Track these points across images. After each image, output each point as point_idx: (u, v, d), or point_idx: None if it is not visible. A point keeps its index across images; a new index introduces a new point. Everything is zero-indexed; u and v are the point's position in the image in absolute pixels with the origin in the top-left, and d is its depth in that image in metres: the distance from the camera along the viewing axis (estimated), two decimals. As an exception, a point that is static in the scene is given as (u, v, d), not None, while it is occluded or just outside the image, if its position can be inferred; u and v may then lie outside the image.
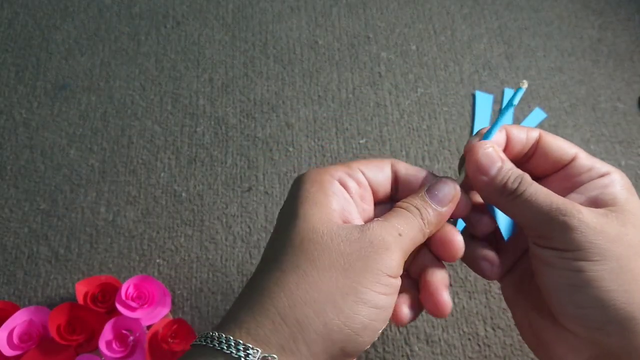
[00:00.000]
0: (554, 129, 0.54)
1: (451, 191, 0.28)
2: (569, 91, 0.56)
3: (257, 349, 0.23)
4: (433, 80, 0.57)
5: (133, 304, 0.42)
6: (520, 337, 0.44)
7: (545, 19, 0.61)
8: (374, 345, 0.43)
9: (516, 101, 0.28)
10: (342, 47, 0.59)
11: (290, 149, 0.53)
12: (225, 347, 0.23)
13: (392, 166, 0.30)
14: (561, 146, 0.30)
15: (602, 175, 0.28)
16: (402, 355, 0.43)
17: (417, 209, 0.27)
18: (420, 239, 0.27)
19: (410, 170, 0.30)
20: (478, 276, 0.46)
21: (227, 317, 0.26)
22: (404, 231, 0.26)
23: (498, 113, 0.55)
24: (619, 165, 0.52)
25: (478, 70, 0.57)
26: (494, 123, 0.29)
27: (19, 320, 0.41)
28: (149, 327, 0.42)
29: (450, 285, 0.46)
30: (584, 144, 0.53)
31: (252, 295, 0.25)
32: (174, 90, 0.56)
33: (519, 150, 0.30)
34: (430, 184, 0.29)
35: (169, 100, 0.56)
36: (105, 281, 0.44)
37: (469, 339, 0.44)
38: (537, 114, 0.55)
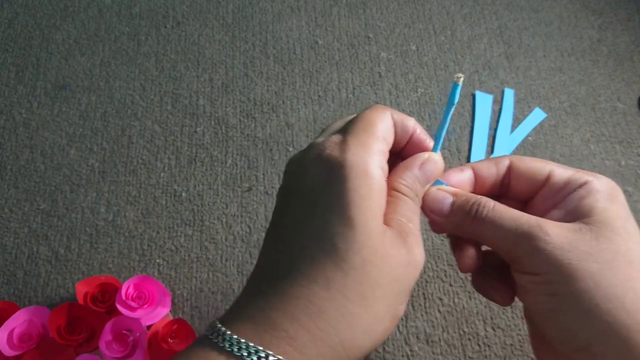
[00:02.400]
0: (554, 129, 0.54)
1: (438, 168, 0.28)
2: (569, 91, 0.56)
3: None
4: (433, 80, 0.57)
5: (133, 304, 0.42)
6: (520, 337, 0.44)
7: (545, 19, 0.61)
8: (374, 345, 0.44)
9: (456, 99, 0.27)
10: (342, 47, 0.59)
11: (290, 149, 0.53)
12: None
13: (391, 117, 0.28)
14: (533, 167, 0.29)
15: (580, 186, 0.27)
16: (402, 355, 0.43)
17: (416, 194, 0.27)
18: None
19: (402, 119, 0.28)
20: (478, 276, 0.46)
21: (260, 320, 0.23)
22: (418, 227, 0.26)
23: (498, 113, 0.55)
24: (619, 165, 0.52)
25: (478, 70, 0.57)
26: (438, 130, 0.28)
27: (19, 320, 0.41)
28: (149, 327, 0.42)
29: (450, 285, 0.46)
30: (584, 144, 0.53)
31: (308, 315, 0.22)
32: (174, 90, 0.56)
33: (493, 183, 0.29)
34: (422, 160, 0.27)
35: (169, 100, 0.56)
36: (105, 281, 0.44)
37: (469, 339, 0.44)
38: (537, 114, 0.55)
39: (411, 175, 0.27)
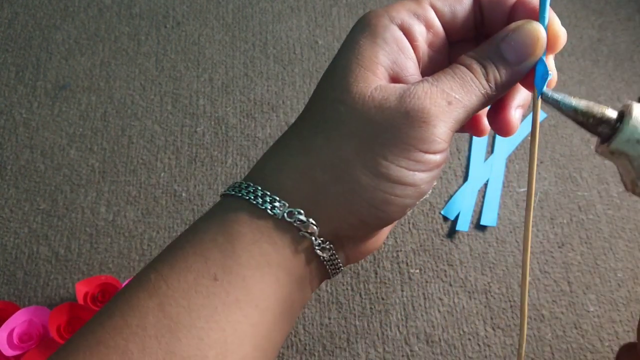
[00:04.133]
0: (554, 129, 0.54)
1: (533, 40, 0.22)
2: (569, 91, 0.56)
3: (284, 202, 0.22)
4: (433, 80, 0.57)
5: (133, 304, 0.42)
6: (518, 338, 0.44)
7: (545, 19, 0.61)
8: (374, 345, 0.43)
9: None
10: (342, 47, 0.59)
11: (290, 149, 0.53)
12: (252, 198, 0.23)
13: None
14: None
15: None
16: (402, 355, 0.43)
17: (483, 66, 0.22)
18: (480, 106, 0.23)
19: None
20: (478, 276, 0.46)
21: (252, 171, 0.25)
22: (458, 97, 0.21)
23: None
24: (619, 165, 0.52)
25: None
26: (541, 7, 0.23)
27: (19, 320, 0.41)
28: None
29: (450, 285, 0.46)
30: (584, 144, 0.53)
31: (277, 151, 0.24)
32: (174, 90, 0.56)
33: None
34: (507, 30, 0.22)
35: (169, 100, 0.56)
36: (105, 281, 0.44)
37: (469, 339, 0.44)
38: (537, 114, 0.55)
39: (485, 48, 0.22)
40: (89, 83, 0.57)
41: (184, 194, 0.51)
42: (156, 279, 0.22)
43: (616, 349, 0.44)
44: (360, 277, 0.46)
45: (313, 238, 0.23)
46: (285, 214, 0.22)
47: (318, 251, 0.23)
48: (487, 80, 0.22)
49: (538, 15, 0.23)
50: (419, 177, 0.22)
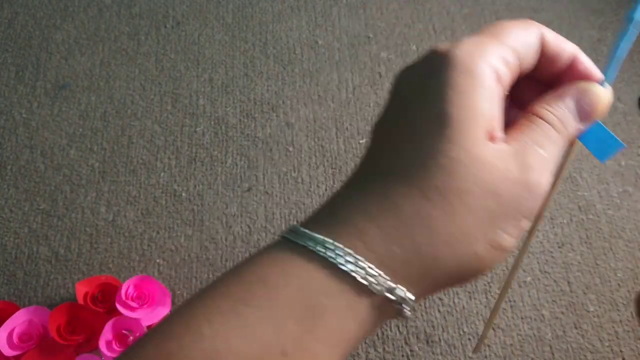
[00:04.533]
0: (554, 129, 0.54)
1: (601, 105, 0.22)
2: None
3: (387, 277, 0.20)
4: (433, 80, 0.57)
5: (133, 304, 0.42)
6: (520, 337, 0.44)
7: (545, 19, 0.61)
8: (374, 345, 0.43)
9: (638, 14, 0.22)
10: (342, 47, 0.59)
11: (290, 149, 0.53)
12: (341, 262, 0.20)
13: (541, 37, 0.23)
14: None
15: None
16: (402, 355, 0.43)
17: (565, 127, 0.22)
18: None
19: (558, 44, 0.23)
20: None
21: (334, 217, 0.21)
22: (554, 160, 0.21)
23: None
24: (619, 166, 0.52)
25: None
26: (611, 56, 0.23)
27: (19, 320, 0.41)
28: (149, 327, 0.42)
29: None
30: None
31: (381, 210, 0.20)
32: (174, 90, 0.56)
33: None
34: (580, 90, 0.22)
35: (169, 100, 0.56)
36: (105, 281, 0.44)
37: (469, 339, 0.44)
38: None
39: (561, 104, 0.22)
40: (89, 83, 0.57)
41: (184, 194, 0.51)
42: (212, 336, 0.19)
43: (616, 349, 0.44)
44: (360, 277, 0.46)
45: (406, 307, 0.21)
46: (385, 291, 0.20)
47: (406, 312, 0.22)
48: (567, 137, 0.22)
49: (589, 75, 0.24)
50: (517, 241, 0.22)
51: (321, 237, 0.20)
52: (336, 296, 0.20)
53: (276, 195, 0.50)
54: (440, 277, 0.21)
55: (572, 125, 0.22)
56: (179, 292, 0.46)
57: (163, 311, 0.43)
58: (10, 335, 0.41)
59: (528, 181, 0.21)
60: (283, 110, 0.55)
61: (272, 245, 0.21)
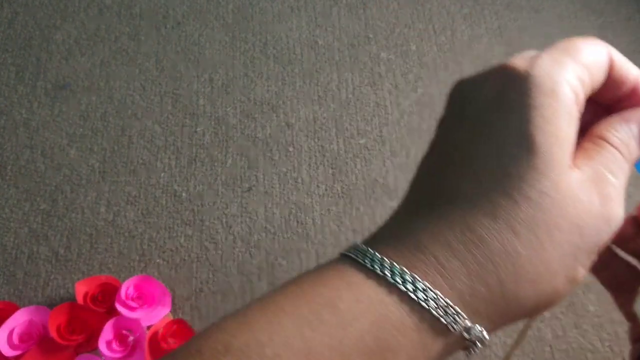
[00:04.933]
0: (554, 129, 0.54)
1: None
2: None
3: (466, 316, 0.18)
4: (433, 80, 0.57)
5: (133, 304, 0.42)
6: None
7: (546, 19, 0.61)
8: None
9: None
10: (342, 47, 0.59)
11: (290, 149, 0.53)
12: (421, 298, 0.18)
13: (609, 57, 0.22)
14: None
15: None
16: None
17: (630, 153, 0.21)
18: None
19: (625, 66, 0.22)
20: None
21: (407, 242, 0.19)
22: (623, 188, 0.21)
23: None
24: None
25: (478, 71, 0.57)
26: None
27: (19, 320, 0.41)
28: (149, 327, 0.42)
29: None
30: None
31: (464, 242, 0.19)
32: (174, 90, 0.56)
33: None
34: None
35: (169, 100, 0.56)
36: (105, 281, 0.44)
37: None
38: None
39: (627, 129, 0.22)
40: (89, 83, 0.57)
41: (184, 194, 0.51)
42: (273, 359, 0.17)
43: (616, 349, 0.44)
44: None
45: (479, 345, 0.20)
46: (463, 331, 0.19)
47: (476, 350, 0.21)
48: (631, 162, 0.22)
49: None
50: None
51: (399, 266, 0.19)
52: (412, 334, 0.19)
53: (276, 195, 0.50)
54: (518, 314, 0.20)
55: (636, 151, 0.22)
56: (179, 292, 0.46)
57: (163, 311, 0.43)
58: (10, 335, 0.41)
59: (609, 214, 0.20)
60: (283, 110, 0.55)
61: (338, 262, 0.20)
